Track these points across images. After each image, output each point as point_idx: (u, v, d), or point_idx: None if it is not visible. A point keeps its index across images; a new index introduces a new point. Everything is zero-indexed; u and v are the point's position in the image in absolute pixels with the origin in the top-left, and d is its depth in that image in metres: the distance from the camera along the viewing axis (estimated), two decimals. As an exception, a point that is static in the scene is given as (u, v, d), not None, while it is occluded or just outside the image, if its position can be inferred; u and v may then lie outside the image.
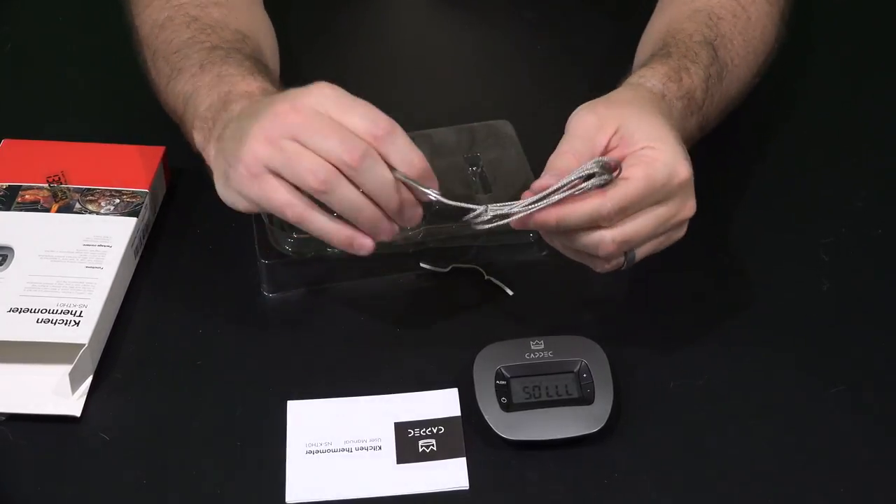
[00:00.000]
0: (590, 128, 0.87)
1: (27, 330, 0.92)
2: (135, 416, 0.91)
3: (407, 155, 0.84)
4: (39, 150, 1.07)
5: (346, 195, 0.84)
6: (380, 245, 0.99)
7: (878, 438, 0.89)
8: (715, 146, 0.99)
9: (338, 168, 0.83)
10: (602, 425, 0.87)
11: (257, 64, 0.96)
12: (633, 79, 0.94)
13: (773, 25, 1.04)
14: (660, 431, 0.89)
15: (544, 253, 1.00)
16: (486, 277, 0.99)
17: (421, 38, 1.27)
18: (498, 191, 1.03)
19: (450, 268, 1.00)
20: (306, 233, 0.99)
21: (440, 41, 1.27)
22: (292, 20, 1.20)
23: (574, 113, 0.89)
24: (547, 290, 0.99)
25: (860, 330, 0.96)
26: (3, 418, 0.90)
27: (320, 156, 0.83)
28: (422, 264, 1.00)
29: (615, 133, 0.86)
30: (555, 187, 0.84)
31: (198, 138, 0.93)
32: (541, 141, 1.08)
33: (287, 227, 1.00)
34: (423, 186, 0.85)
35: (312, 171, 0.83)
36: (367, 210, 0.85)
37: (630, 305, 0.97)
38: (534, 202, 0.85)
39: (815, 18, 1.22)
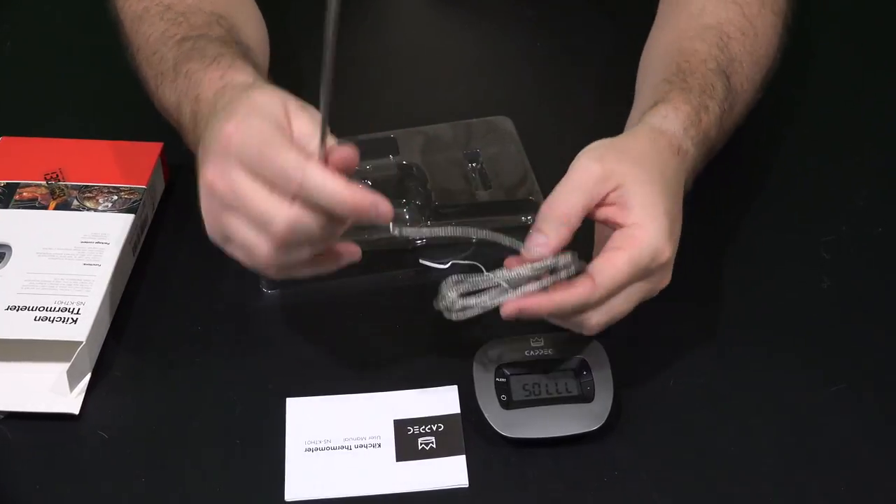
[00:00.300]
0: (591, 178, 0.85)
1: (25, 328, 0.91)
2: (133, 413, 0.91)
3: (333, 198, 0.78)
4: (37, 148, 1.06)
5: (302, 251, 0.81)
6: (379, 242, 0.99)
7: (878, 438, 0.88)
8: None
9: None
10: (602, 423, 0.87)
11: (223, 45, 0.93)
12: (654, 119, 0.91)
13: (777, 37, 1.02)
14: (660, 430, 0.89)
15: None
16: (486, 273, 0.99)
17: (421, 35, 1.27)
18: (497, 187, 1.03)
19: (449, 264, 1.00)
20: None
21: (440, 38, 1.26)
22: (293, 17, 1.19)
23: (582, 154, 0.87)
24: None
25: (861, 328, 0.95)
26: (2, 416, 0.90)
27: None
28: (421, 261, 1.00)
29: (615, 189, 0.85)
30: (525, 274, 0.84)
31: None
32: (540, 137, 1.09)
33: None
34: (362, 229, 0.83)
35: (257, 249, 0.80)
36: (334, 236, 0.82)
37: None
38: (496, 294, 0.84)
39: (816, 17, 1.22)
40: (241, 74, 0.89)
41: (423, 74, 1.22)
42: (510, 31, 1.24)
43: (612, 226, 0.85)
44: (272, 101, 0.81)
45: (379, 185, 1.04)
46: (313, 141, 0.79)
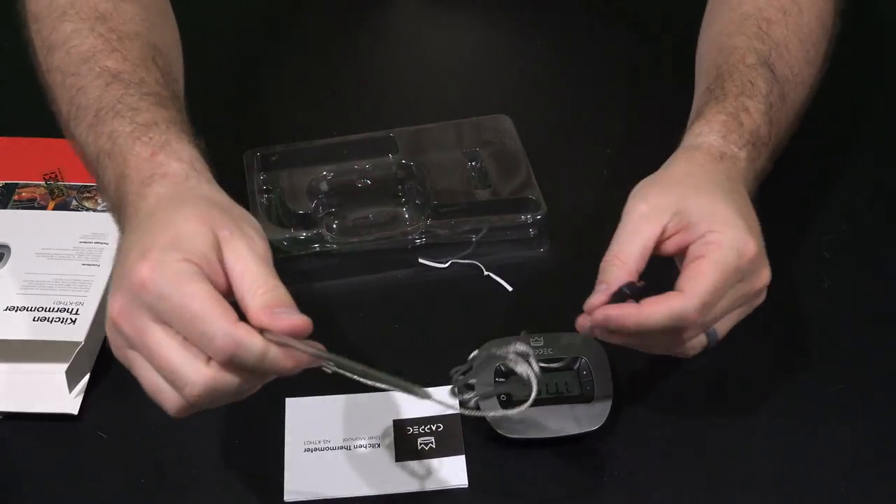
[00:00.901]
0: (638, 217, 0.83)
1: (24, 328, 0.91)
2: (132, 413, 0.90)
3: (272, 368, 0.73)
4: (36, 148, 1.06)
5: (220, 403, 0.75)
6: (379, 241, 0.99)
7: (878, 438, 0.88)
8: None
9: None
10: (602, 423, 0.87)
11: (158, 107, 0.83)
12: (689, 140, 0.89)
13: (827, 4, 0.99)
14: (659, 430, 0.88)
15: (544, 249, 1.00)
16: (486, 273, 0.99)
17: (420, 34, 1.27)
18: (496, 186, 1.03)
19: (449, 263, 1.00)
20: (302, 231, 0.99)
21: (440, 38, 1.27)
22: (292, 16, 1.19)
23: (630, 197, 0.85)
24: (546, 286, 0.98)
25: (861, 327, 0.95)
26: (1, 417, 0.90)
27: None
28: (420, 260, 1.00)
29: (672, 219, 0.83)
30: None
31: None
32: (540, 136, 1.09)
33: (284, 223, 1.00)
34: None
35: (166, 401, 0.74)
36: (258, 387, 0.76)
37: (630, 302, 0.97)
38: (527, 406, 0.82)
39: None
40: (174, 161, 0.79)
41: (423, 73, 1.21)
42: (509, 30, 1.24)
43: (686, 250, 0.83)
44: (199, 232, 0.73)
45: (378, 184, 1.04)
46: (249, 281, 0.72)
